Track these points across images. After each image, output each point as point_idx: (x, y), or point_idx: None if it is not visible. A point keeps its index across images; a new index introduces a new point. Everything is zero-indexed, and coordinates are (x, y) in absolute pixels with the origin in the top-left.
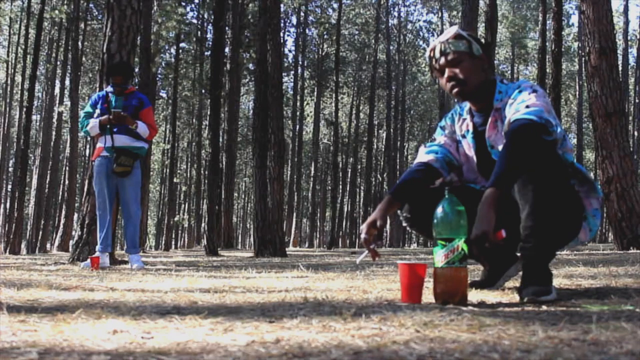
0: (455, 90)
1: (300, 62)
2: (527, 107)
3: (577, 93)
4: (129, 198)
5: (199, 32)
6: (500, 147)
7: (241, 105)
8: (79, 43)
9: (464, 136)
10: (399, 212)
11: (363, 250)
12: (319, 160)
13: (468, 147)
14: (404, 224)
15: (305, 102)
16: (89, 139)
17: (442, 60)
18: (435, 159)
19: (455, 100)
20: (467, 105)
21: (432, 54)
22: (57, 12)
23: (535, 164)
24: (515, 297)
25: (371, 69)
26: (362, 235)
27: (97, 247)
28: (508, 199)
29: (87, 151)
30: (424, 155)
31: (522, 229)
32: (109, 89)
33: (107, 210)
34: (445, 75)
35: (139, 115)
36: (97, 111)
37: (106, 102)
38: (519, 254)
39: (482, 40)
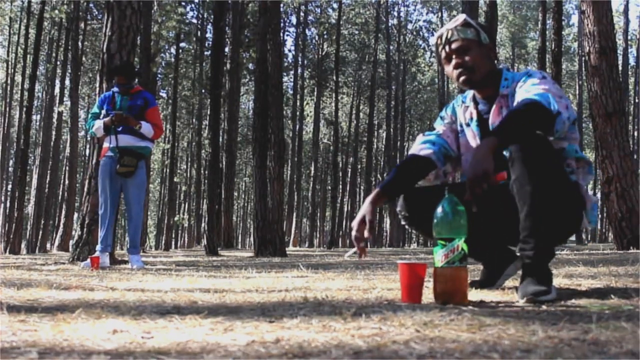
0: (463, 77)
1: (300, 62)
2: (537, 89)
3: (577, 93)
4: (131, 198)
5: (199, 32)
6: None
7: (241, 105)
8: (79, 43)
9: (468, 124)
10: (398, 209)
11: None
12: (319, 160)
13: (473, 135)
14: (403, 223)
15: (305, 102)
16: (89, 138)
17: (450, 47)
18: (432, 151)
19: (462, 89)
20: (470, 93)
21: (439, 41)
22: (57, 12)
23: (530, 149)
24: (515, 297)
25: (371, 69)
26: (353, 233)
27: (97, 247)
28: (501, 157)
29: (87, 151)
30: (419, 145)
31: (521, 229)
32: (115, 89)
33: (108, 209)
34: (453, 62)
35: (145, 114)
36: (104, 112)
37: (112, 103)
38: (518, 254)
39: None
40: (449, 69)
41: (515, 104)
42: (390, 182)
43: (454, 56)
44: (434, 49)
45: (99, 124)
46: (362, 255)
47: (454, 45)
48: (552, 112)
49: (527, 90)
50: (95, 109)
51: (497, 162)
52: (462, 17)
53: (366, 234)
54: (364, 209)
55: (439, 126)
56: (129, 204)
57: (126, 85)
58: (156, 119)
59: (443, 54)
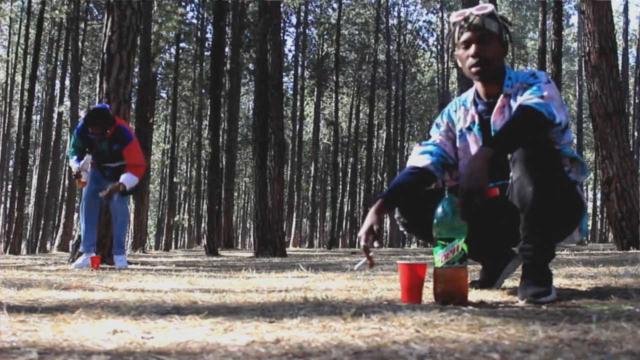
0: (477, 68)
1: (300, 62)
2: (542, 97)
3: (577, 93)
4: (116, 197)
5: (199, 32)
6: None
7: (241, 105)
8: (79, 43)
9: (469, 129)
10: (396, 216)
11: (362, 253)
12: (319, 160)
13: (475, 140)
14: (401, 229)
15: (305, 102)
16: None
17: (473, 33)
18: (430, 162)
19: (474, 78)
20: (470, 95)
21: (462, 22)
22: (57, 12)
23: (531, 149)
24: (515, 297)
25: (371, 69)
26: (362, 243)
27: (80, 248)
28: (498, 160)
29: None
30: (418, 156)
31: (522, 230)
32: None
33: (90, 210)
34: (472, 50)
35: (122, 156)
36: (88, 157)
37: (94, 146)
38: (518, 255)
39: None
40: (463, 53)
41: (517, 105)
42: (392, 192)
43: (474, 44)
44: (451, 26)
45: (75, 166)
46: (371, 265)
47: (478, 33)
48: (553, 123)
49: (532, 92)
50: (75, 141)
51: (493, 168)
52: (490, 7)
53: (376, 244)
54: (371, 218)
55: (435, 135)
56: (115, 203)
57: (101, 135)
58: (134, 158)
59: (463, 37)
